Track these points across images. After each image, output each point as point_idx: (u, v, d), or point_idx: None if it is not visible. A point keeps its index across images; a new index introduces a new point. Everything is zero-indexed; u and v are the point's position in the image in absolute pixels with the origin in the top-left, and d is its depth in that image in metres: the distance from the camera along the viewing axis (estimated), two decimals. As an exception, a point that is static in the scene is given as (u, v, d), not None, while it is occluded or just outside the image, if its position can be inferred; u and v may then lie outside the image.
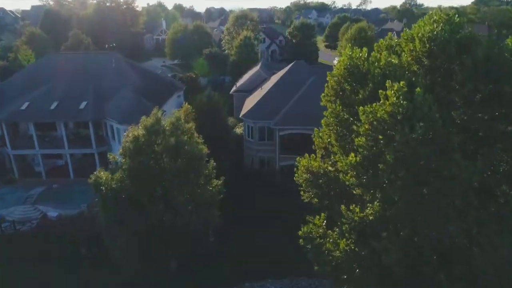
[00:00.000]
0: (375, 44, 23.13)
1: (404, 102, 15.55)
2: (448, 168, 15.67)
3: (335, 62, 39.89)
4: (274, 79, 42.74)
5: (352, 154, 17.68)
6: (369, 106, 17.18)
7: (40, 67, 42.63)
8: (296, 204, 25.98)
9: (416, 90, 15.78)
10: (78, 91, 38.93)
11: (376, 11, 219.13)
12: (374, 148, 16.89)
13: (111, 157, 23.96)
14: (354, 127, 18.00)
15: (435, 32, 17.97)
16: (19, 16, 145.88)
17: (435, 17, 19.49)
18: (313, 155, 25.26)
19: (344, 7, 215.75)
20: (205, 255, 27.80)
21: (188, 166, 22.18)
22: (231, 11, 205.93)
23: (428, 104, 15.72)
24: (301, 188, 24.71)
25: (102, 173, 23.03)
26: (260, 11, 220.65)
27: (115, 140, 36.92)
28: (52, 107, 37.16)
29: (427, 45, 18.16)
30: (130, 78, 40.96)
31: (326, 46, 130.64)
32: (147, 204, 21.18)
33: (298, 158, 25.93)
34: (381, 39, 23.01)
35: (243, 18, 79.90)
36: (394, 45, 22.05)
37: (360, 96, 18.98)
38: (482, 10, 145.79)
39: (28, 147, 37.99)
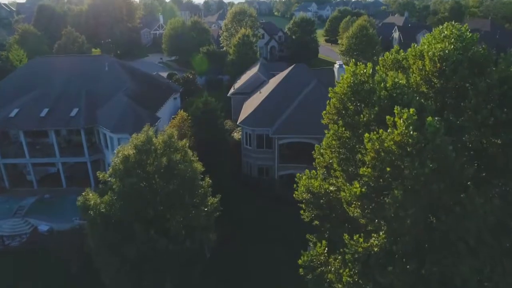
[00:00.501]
0: (380, 59, 21.76)
1: (415, 133, 14.23)
2: (461, 204, 14.46)
3: (336, 67, 38.45)
4: (273, 82, 41.30)
5: (357, 184, 16.42)
6: (375, 133, 15.87)
7: (30, 71, 41.09)
8: (295, 216, 24.63)
9: (428, 119, 14.46)
10: (69, 97, 37.52)
11: (376, 3, 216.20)
12: (381, 180, 15.64)
13: (100, 175, 22.65)
14: (359, 155, 16.74)
15: (446, 51, 16.60)
16: (14, 9, 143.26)
17: (445, 32, 18.12)
18: (313, 171, 24.07)
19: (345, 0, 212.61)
20: (201, 274, 26.74)
21: (182, 187, 20.93)
22: (229, 3, 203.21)
23: (440, 135, 14.42)
24: (301, 205, 23.63)
25: (90, 194, 21.78)
26: (259, 3, 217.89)
27: (108, 148, 35.62)
28: (43, 114, 35.76)
29: (438, 65, 16.79)
30: (124, 82, 39.47)
31: (326, 40, 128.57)
32: (138, 229, 19.96)
33: (298, 174, 24.75)
34: (387, 52, 21.65)
35: (241, 14, 77.96)
36: (401, 59, 20.74)
37: (365, 118, 17.66)
38: (485, 3, 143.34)
39: (18, 155, 36.67)
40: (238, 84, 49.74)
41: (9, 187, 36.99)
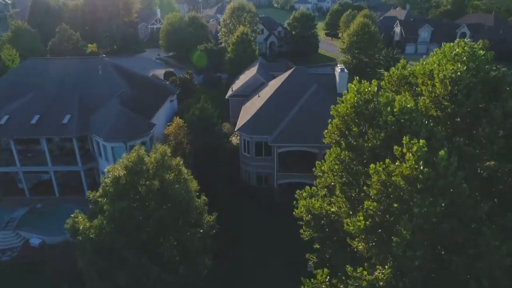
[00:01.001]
0: (386, 75, 20.54)
1: (425, 169, 13.10)
2: (475, 245, 13.40)
3: (337, 71, 37.10)
4: (272, 86, 39.97)
5: (361, 216, 15.33)
6: (381, 164, 14.75)
7: (22, 74, 39.69)
8: (296, 227, 23.54)
9: (440, 154, 13.31)
10: (62, 103, 36.24)
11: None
12: (387, 216, 14.55)
13: (91, 195, 21.58)
14: (365, 187, 15.62)
15: (458, 73, 15.36)
16: (9, 2, 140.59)
17: (457, 49, 16.88)
18: (314, 188, 23.03)
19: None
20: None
21: (175, 210, 19.86)
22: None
23: (453, 169, 13.28)
24: (301, 222, 22.65)
25: (79, 217, 20.72)
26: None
27: (102, 157, 34.48)
28: (33, 121, 34.52)
29: (449, 88, 15.59)
30: (118, 87, 38.10)
31: (327, 34, 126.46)
32: (130, 256, 18.92)
33: (298, 191, 23.74)
34: (393, 68, 20.41)
35: (240, 9, 76.09)
36: (408, 75, 19.51)
37: (370, 144, 16.49)
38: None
39: (9, 163, 35.54)
40: (236, 85, 48.39)
41: (0, 196, 35.91)
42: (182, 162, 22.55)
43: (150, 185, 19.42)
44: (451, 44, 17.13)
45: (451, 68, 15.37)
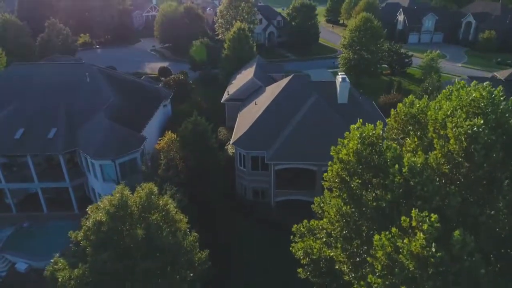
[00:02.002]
0: (392, 112, 18.70)
1: (438, 254, 11.49)
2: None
3: (338, 80, 35.04)
4: (269, 94, 37.93)
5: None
6: (388, 234, 13.14)
7: (4, 82, 37.59)
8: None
9: (454, 234, 11.68)
10: (47, 114, 34.33)
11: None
12: (393, 295, 13.05)
13: (72, 235, 20.07)
14: (369, 258, 14.08)
15: (475, 129, 13.55)
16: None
17: (474, 94, 15.01)
18: (313, 222, 21.51)
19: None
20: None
21: (163, 260, 18.37)
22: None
23: (470, 250, 11.69)
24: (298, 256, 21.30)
25: (59, 263, 19.25)
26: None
27: (91, 173, 32.86)
28: (17, 135, 32.74)
29: (465, 144, 13.80)
30: (106, 96, 36.12)
31: (327, 21, 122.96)
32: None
33: (295, 227, 22.33)
34: (400, 104, 18.54)
35: (237, 0, 72.86)
36: (417, 114, 17.67)
37: (375, 203, 14.83)
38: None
39: (-7, 179, 33.93)
40: (233, 88, 46.29)
41: (-14, 213, 34.51)
42: (170, 200, 20.91)
43: (134, 235, 17.87)
44: (468, 88, 15.23)
45: (467, 124, 13.54)
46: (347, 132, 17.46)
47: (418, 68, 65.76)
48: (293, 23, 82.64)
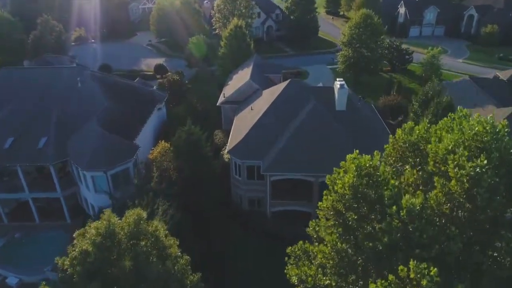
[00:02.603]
0: (391, 138, 17.83)
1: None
2: None
3: (336, 87, 34.01)
4: (266, 100, 36.94)
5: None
6: (384, 282, 12.46)
7: (-6, 87, 36.64)
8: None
9: (455, 291, 11.01)
10: (37, 122, 33.52)
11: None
12: None
13: (59, 261, 19.44)
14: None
15: (478, 170, 12.75)
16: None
17: (477, 128, 14.15)
18: (308, 244, 20.85)
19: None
20: None
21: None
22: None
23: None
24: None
25: (46, 292, 18.63)
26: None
27: (82, 183, 32.15)
28: (7, 145, 31.98)
29: (466, 185, 13.02)
30: (98, 102, 35.20)
31: (327, 12, 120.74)
32: None
33: (290, 249, 21.66)
34: (399, 130, 17.65)
35: (234, -6, 71.23)
36: (416, 141, 16.85)
37: (371, 243, 14.13)
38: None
39: (-17, 189, 33.27)
40: (229, 90, 45.23)
41: (-23, 223, 33.94)
42: (160, 225, 20.20)
43: (122, 266, 17.22)
44: (472, 121, 14.36)
45: (469, 166, 12.73)
46: (343, 162, 16.65)
47: (419, 64, 64.52)
48: (291, 17, 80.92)
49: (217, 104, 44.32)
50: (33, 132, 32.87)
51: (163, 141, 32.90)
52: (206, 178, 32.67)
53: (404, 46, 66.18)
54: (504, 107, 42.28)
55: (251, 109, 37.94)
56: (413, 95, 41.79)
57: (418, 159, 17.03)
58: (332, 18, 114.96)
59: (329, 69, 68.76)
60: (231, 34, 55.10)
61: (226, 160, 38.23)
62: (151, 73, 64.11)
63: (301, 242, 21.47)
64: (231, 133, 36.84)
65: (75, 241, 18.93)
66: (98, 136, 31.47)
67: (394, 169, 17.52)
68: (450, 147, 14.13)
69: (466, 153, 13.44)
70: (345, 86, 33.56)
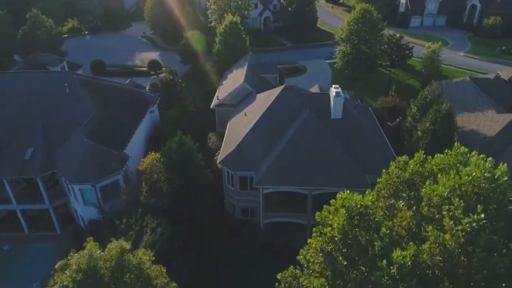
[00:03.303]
0: (383, 172, 16.92)
1: None
2: None
3: (332, 94, 32.90)
4: (260, 106, 35.82)
5: None
6: None
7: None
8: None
9: None
10: (23, 132, 32.57)
11: None
12: None
13: (42, 293, 18.87)
14: None
15: (474, 225, 11.94)
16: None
17: (475, 172, 13.26)
18: (298, 271, 20.25)
19: None
20: None
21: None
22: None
23: None
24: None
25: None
26: None
27: (71, 194, 31.42)
28: (-8, 156, 31.08)
29: (462, 240, 12.23)
30: (86, 110, 34.15)
31: (327, 0, 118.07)
32: None
33: (281, 275, 21.08)
34: (393, 164, 16.75)
35: (230, -15, 69.01)
36: (409, 176, 15.98)
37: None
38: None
39: (-30, 200, 32.55)
40: (223, 91, 44.05)
41: (-35, 234, 33.36)
42: (146, 257, 19.50)
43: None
44: (468, 168, 13.45)
45: (465, 222, 11.90)
46: (333, 200, 15.83)
47: (419, 59, 63.06)
48: (289, 8, 78.88)
49: (211, 107, 43.25)
50: (19, 142, 31.96)
51: (153, 152, 31.98)
52: (199, 188, 31.93)
53: (404, 40, 64.53)
54: (505, 109, 41.30)
55: (245, 114, 36.90)
56: (412, 99, 40.60)
57: (413, 193, 16.23)
58: (332, 7, 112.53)
59: (327, 64, 67.32)
60: (226, 30, 53.53)
61: (220, 167, 37.43)
62: (145, 69, 62.73)
63: (291, 268, 20.89)
64: (224, 140, 35.93)
65: (55, 276, 18.24)
66: (85, 148, 30.55)
67: (387, 204, 16.76)
68: (445, 194, 13.28)
69: (462, 204, 12.60)
70: (341, 94, 32.46)
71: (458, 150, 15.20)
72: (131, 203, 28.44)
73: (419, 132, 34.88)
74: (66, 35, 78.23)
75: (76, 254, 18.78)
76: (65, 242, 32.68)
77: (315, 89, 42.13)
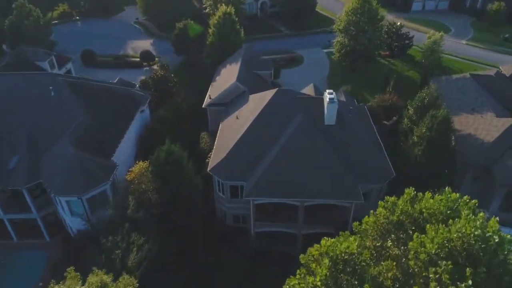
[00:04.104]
0: (371, 218, 16.18)
1: None
2: None
3: (326, 100, 31.78)
4: (252, 110, 34.69)
5: None
6: None
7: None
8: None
9: None
10: (7, 139, 31.69)
11: None
12: None
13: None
14: None
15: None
16: None
17: (466, 229, 12.55)
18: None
19: None
20: None
21: None
22: None
23: None
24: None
25: None
26: None
27: (58, 204, 30.82)
28: (-25, 165, 30.32)
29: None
30: (73, 113, 33.20)
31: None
32: None
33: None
34: (381, 203, 15.97)
35: (225, -30, 66.08)
36: (396, 219, 15.30)
37: None
38: None
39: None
40: (215, 89, 42.75)
41: (-47, 241, 33.00)
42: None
43: None
44: (458, 225, 12.70)
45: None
46: (318, 245, 15.16)
47: (419, 48, 61.17)
48: (287, -7, 76.11)
49: (203, 106, 42.09)
50: (2, 150, 31.10)
51: (140, 161, 31.17)
52: (190, 198, 31.30)
53: (405, 26, 62.38)
54: (505, 109, 40.22)
55: (237, 117, 35.86)
56: (409, 100, 39.43)
57: (401, 235, 15.59)
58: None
59: (325, 53, 65.43)
60: (220, 21, 51.62)
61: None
62: (137, 59, 60.99)
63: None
64: (215, 145, 35.03)
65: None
66: (71, 158, 29.72)
67: (375, 245, 16.12)
68: (433, 251, 12.59)
69: (450, 266, 11.93)
70: (335, 100, 31.33)
71: (449, 196, 14.40)
72: (118, 217, 27.83)
73: (415, 138, 33.95)
74: (56, 21, 75.90)
75: (56, 286, 18.35)
76: (55, 251, 32.47)
77: (309, 88, 40.84)
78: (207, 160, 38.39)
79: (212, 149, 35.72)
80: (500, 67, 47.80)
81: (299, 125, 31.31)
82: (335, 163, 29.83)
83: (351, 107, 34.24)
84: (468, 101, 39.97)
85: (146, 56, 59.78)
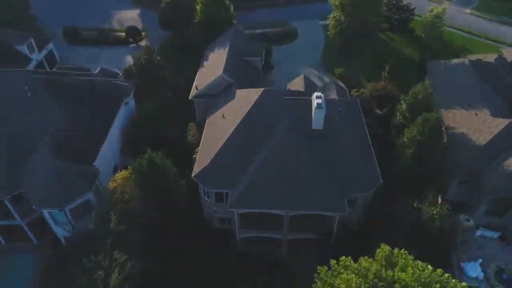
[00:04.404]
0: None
1: None
2: None
3: (314, 105, 30.47)
4: (238, 109, 33.27)
5: None
6: None
7: None
8: None
9: None
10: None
11: None
12: None
13: None
14: None
15: None
16: None
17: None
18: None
19: None
20: None
21: None
22: None
23: None
24: None
25: None
26: None
27: (44, 213, 30.62)
28: (-47, 174, 29.71)
29: None
30: (52, 117, 32.01)
31: None
32: None
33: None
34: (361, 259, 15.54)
35: None
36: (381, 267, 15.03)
37: None
38: None
39: None
40: (202, 79, 40.93)
41: None
42: None
43: None
44: None
45: None
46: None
47: (421, 19, 57.76)
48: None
49: (190, 98, 40.58)
50: (-18, 157, 30.32)
51: (123, 170, 30.51)
52: (175, 202, 31.10)
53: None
54: (504, 101, 38.77)
55: (223, 116, 34.61)
56: (402, 96, 37.90)
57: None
58: None
59: (321, 26, 62.11)
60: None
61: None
62: (123, 35, 58.01)
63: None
64: (199, 147, 34.11)
65: None
66: (50, 168, 29.06)
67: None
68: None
69: None
70: (323, 105, 29.97)
71: (421, 271, 13.94)
72: (101, 229, 27.68)
73: (406, 140, 33.00)
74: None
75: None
76: (43, 254, 32.82)
77: (300, 79, 39.13)
78: (194, 155, 37.73)
79: (199, 143, 34.89)
80: (502, 50, 45.55)
81: (284, 134, 30.27)
82: (321, 174, 29.22)
83: (340, 109, 32.85)
84: (465, 95, 38.40)
85: (133, 33, 56.85)
